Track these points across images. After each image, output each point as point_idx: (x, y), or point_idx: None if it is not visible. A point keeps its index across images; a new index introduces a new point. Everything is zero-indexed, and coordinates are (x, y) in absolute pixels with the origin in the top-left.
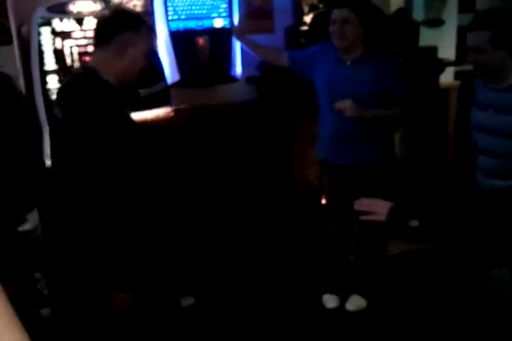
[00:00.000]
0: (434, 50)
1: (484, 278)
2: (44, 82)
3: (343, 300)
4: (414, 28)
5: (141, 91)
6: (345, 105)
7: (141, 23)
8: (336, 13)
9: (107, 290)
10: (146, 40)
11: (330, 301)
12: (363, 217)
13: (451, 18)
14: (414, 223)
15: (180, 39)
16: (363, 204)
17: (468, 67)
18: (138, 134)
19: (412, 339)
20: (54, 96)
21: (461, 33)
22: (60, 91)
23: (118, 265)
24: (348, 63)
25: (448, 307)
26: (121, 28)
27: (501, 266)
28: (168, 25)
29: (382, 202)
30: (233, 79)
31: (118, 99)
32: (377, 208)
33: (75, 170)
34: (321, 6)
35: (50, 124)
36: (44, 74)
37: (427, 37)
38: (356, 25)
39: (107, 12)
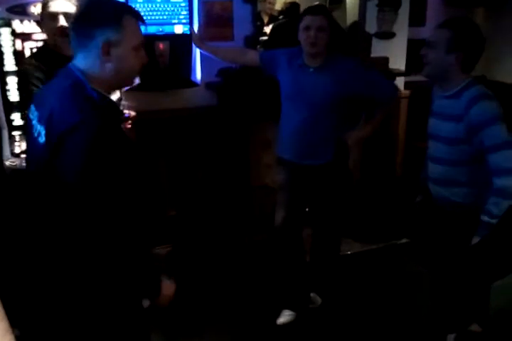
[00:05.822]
0: (385, 60)
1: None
2: (3, 83)
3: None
4: (367, 39)
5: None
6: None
7: (121, 14)
8: (311, 20)
9: None
10: (132, 34)
11: (285, 316)
12: None
13: (402, 31)
14: None
15: None
16: None
17: (417, 78)
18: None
19: (362, 334)
20: (13, 98)
21: (411, 45)
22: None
23: None
24: (311, 70)
25: (395, 306)
26: (98, 25)
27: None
28: None
29: None
30: (193, 84)
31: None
32: None
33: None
34: (280, 17)
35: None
36: (3, 75)
37: (378, 48)
38: (328, 33)
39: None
